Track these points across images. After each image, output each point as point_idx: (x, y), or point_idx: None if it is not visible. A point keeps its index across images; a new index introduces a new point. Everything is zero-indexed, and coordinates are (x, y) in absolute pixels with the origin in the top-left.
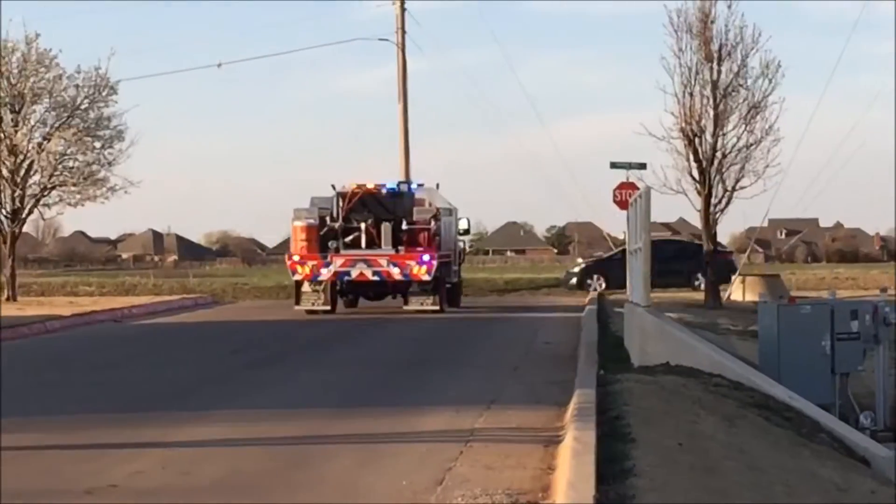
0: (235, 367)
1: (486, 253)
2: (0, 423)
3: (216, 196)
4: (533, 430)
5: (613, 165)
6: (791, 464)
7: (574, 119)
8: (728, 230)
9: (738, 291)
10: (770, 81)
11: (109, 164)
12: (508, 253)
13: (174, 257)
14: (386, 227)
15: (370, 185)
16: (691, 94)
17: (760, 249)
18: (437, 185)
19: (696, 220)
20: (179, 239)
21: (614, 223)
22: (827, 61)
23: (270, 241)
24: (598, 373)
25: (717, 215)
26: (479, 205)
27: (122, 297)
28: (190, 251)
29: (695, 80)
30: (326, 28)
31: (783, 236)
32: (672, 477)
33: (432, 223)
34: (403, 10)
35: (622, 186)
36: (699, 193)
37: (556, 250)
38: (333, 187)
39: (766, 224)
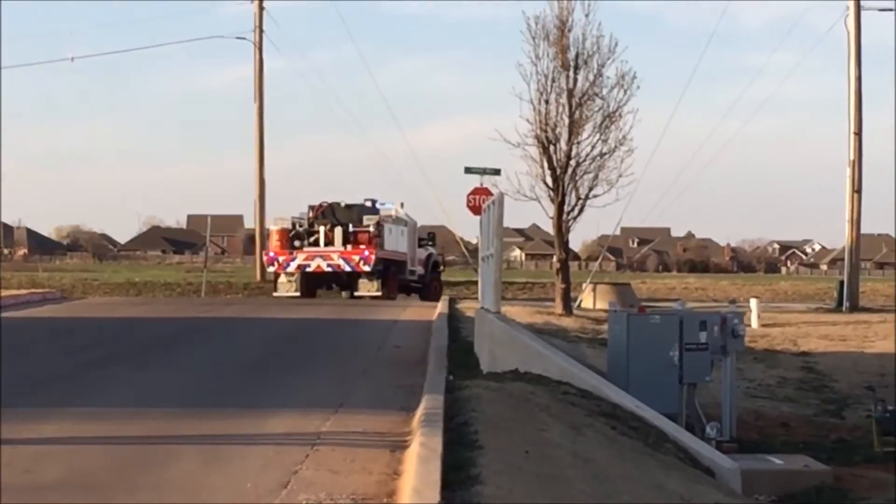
0: (82, 365)
1: None
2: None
3: (68, 190)
4: (380, 434)
5: (468, 170)
6: (636, 474)
7: (430, 123)
8: (581, 238)
9: (589, 299)
10: (625, 91)
11: None
12: None
13: (24, 251)
14: (338, 230)
15: (333, 201)
16: (547, 102)
17: (612, 257)
18: (402, 204)
19: (549, 227)
20: (30, 232)
21: (468, 228)
22: (684, 72)
23: (122, 236)
24: (446, 378)
25: (570, 223)
26: None
27: None
28: (40, 245)
29: (551, 87)
30: (185, 25)
31: (635, 245)
32: (517, 485)
33: (372, 228)
34: (262, 9)
35: (476, 191)
36: (552, 201)
37: None
38: (309, 206)
39: (618, 232)
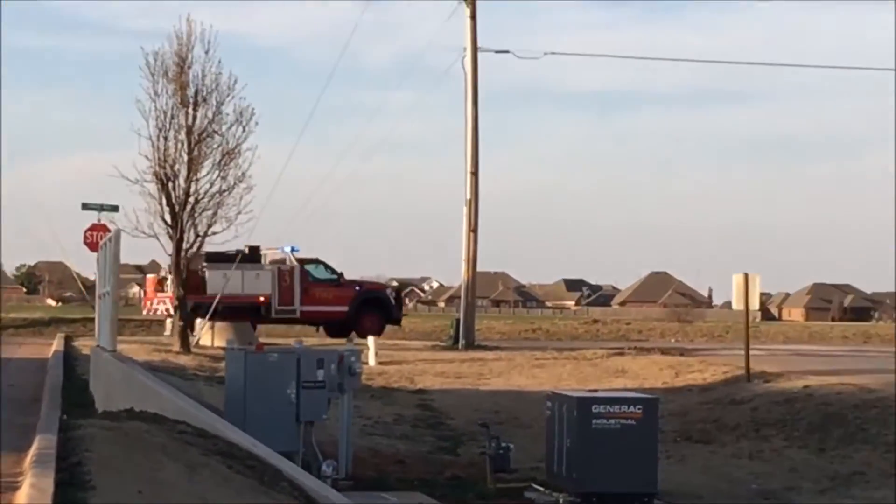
0: None
1: None
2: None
3: None
4: None
5: (85, 206)
6: None
7: (51, 159)
8: None
9: (207, 336)
10: (244, 129)
11: None
12: None
13: None
14: (169, 279)
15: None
16: (166, 139)
17: None
18: (292, 248)
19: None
20: None
21: (86, 264)
22: (308, 109)
23: None
24: (60, 417)
25: (189, 260)
26: None
27: None
28: None
29: (170, 124)
30: None
31: None
32: None
33: (154, 277)
34: None
35: (94, 228)
36: (171, 237)
37: (25, 289)
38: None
39: None
